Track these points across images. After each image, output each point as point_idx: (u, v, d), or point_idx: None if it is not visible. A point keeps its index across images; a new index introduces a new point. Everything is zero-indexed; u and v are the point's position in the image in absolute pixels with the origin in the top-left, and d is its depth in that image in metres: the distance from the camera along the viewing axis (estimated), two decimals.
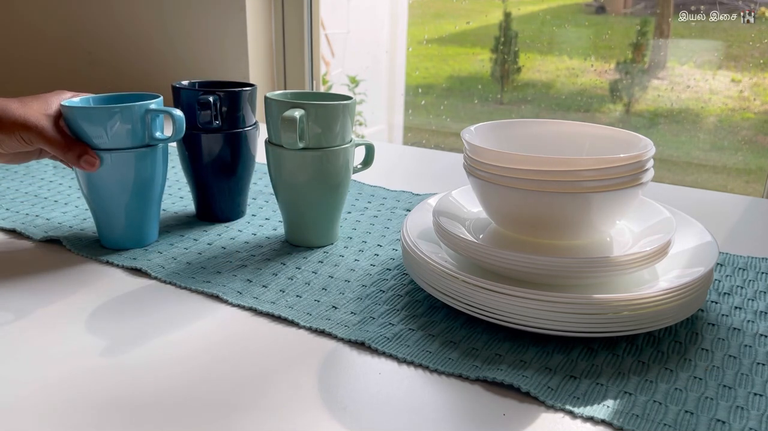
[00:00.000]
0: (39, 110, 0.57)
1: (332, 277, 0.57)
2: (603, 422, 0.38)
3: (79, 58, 1.38)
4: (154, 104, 0.58)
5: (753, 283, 0.56)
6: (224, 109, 0.63)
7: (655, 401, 0.40)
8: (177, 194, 0.79)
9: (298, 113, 0.55)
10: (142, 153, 0.58)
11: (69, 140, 0.56)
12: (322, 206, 0.61)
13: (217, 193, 0.68)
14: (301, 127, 0.56)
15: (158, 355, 0.45)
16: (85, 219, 0.69)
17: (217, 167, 0.66)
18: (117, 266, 0.59)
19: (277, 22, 1.22)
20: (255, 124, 0.68)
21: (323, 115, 0.57)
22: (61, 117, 0.58)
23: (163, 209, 0.73)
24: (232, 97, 0.64)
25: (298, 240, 0.63)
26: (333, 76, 1.87)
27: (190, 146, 0.65)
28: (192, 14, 1.22)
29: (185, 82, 0.68)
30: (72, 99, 0.59)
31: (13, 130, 0.55)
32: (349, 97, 0.61)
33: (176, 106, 0.65)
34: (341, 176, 0.60)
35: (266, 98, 0.59)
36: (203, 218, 0.70)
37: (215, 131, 0.64)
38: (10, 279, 0.56)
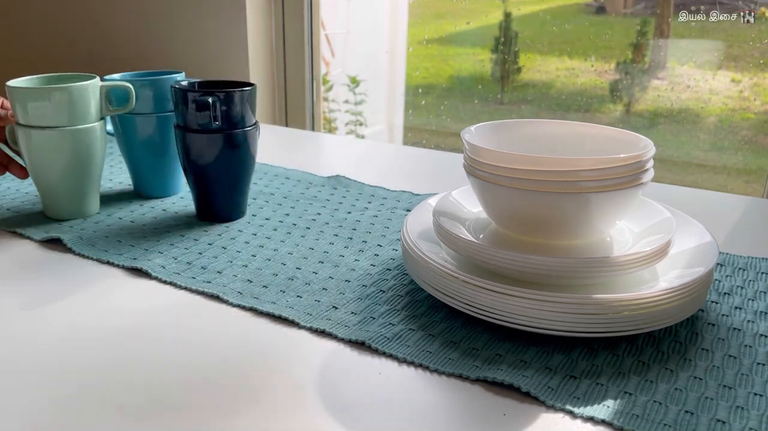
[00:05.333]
0: None
1: (332, 277, 0.57)
2: (603, 422, 0.38)
3: (79, 58, 1.38)
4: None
5: (753, 283, 0.56)
6: (224, 109, 0.63)
7: (655, 401, 0.40)
8: (176, 194, 0.79)
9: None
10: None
11: None
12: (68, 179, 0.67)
13: (217, 193, 0.68)
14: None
15: (158, 355, 0.45)
16: (85, 219, 0.69)
17: (217, 167, 0.66)
18: (117, 266, 0.59)
19: (277, 22, 1.22)
20: (255, 124, 0.68)
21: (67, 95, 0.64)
22: None
23: (163, 210, 0.73)
24: (231, 97, 0.64)
25: (52, 213, 0.69)
26: (333, 76, 1.87)
27: (190, 146, 0.65)
28: (192, 14, 1.22)
29: (185, 82, 0.68)
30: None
31: None
32: (92, 76, 0.67)
33: (176, 106, 0.65)
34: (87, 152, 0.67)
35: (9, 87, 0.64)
36: (203, 219, 0.70)
37: (215, 131, 0.64)
38: (10, 279, 0.56)
